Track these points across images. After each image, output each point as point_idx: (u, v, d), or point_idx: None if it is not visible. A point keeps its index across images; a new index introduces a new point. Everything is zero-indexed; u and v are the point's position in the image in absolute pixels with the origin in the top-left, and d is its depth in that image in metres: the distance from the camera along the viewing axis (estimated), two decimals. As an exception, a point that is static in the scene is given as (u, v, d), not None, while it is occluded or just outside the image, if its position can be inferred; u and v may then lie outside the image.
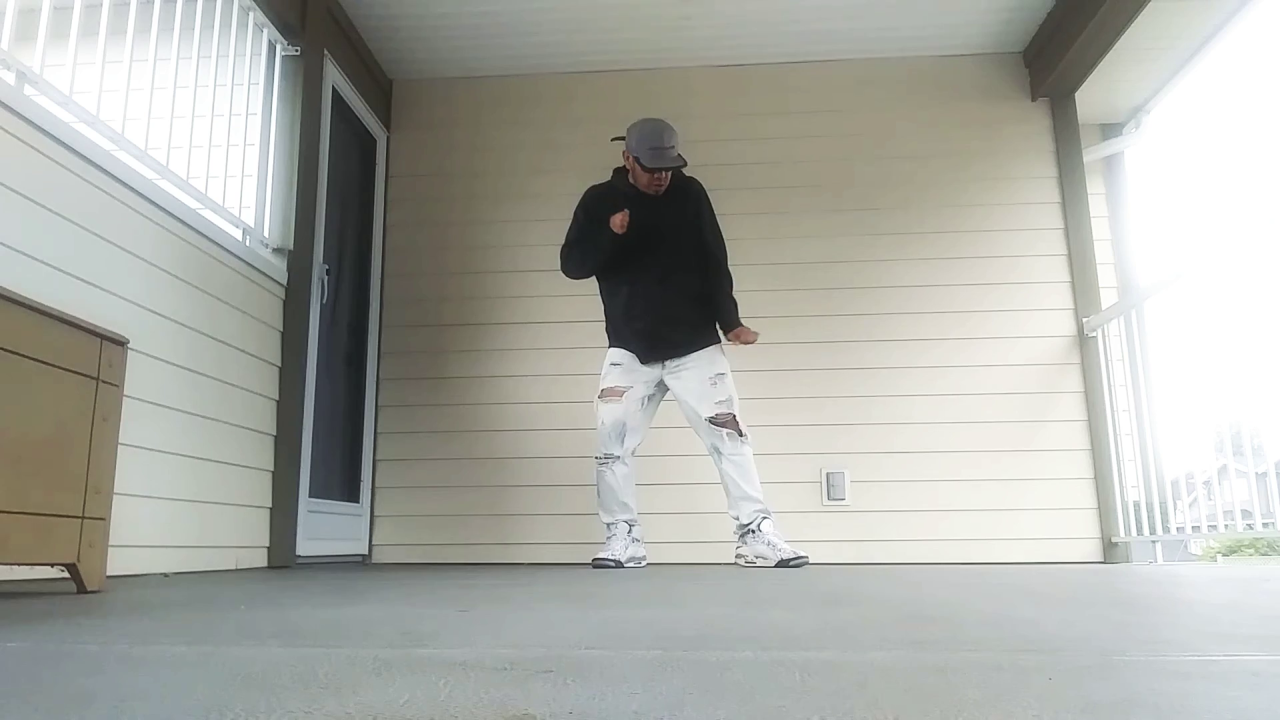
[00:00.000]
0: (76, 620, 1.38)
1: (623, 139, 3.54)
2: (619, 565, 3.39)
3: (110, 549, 2.03)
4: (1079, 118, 4.62)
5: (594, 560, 3.43)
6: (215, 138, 3.39)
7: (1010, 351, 4.40)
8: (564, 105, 4.81)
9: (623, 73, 4.81)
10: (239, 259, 3.35)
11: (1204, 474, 3.51)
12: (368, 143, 4.72)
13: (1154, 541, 3.97)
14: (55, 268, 2.40)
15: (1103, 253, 4.63)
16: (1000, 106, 4.67)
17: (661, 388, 3.58)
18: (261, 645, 1.08)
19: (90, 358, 1.96)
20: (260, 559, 3.46)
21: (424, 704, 0.70)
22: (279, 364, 3.63)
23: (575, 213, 3.66)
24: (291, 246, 3.71)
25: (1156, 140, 5.18)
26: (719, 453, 3.46)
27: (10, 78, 2.33)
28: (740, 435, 3.44)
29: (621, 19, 4.42)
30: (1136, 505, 4.10)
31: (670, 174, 3.48)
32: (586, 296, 3.89)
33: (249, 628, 1.27)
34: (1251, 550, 16.07)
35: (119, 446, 2.09)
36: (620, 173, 3.62)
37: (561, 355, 4.49)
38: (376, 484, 4.52)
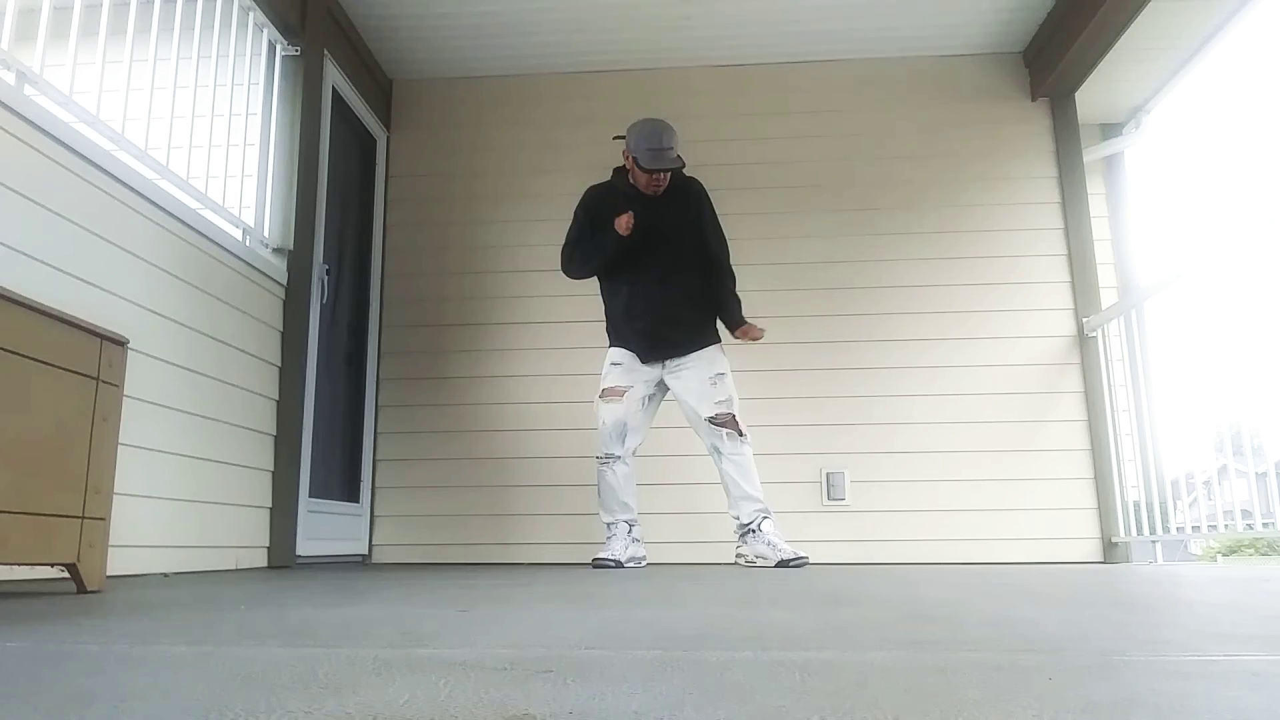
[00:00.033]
0: (76, 620, 1.38)
1: (623, 138, 3.54)
2: (619, 565, 3.39)
3: (110, 549, 2.03)
4: (1079, 118, 4.62)
5: (594, 560, 3.43)
6: (215, 138, 3.39)
7: (1010, 351, 4.40)
8: (564, 105, 4.81)
9: (623, 73, 4.81)
10: (239, 259, 3.35)
11: (1204, 474, 3.50)
12: (368, 143, 4.72)
13: (1154, 541, 3.97)
14: (55, 268, 2.40)
15: (1103, 253, 4.63)
16: (1000, 106, 4.67)
17: (662, 387, 3.58)
18: (261, 645, 1.08)
19: (90, 358, 1.96)
20: (260, 559, 3.46)
21: (424, 704, 0.70)
22: (279, 364, 3.63)
23: (575, 212, 3.66)
24: (291, 246, 3.71)
25: (1156, 140, 5.19)
26: (719, 452, 3.46)
27: (10, 78, 2.33)
28: (740, 435, 3.44)
29: (621, 19, 4.42)
30: (1136, 505, 4.10)
31: (669, 175, 3.48)
32: (586, 296, 3.89)
33: (249, 628, 1.27)
34: (1251, 550, 16.07)
35: (119, 446, 2.09)
36: (620, 172, 3.62)
37: (562, 355, 4.49)
38: (376, 484, 4.52)
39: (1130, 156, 5.16)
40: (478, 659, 0.93)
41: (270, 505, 3.53)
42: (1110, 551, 4.17)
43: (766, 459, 3.65)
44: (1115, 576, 2.78)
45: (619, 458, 3.50)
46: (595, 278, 3.67)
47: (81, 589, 1.92)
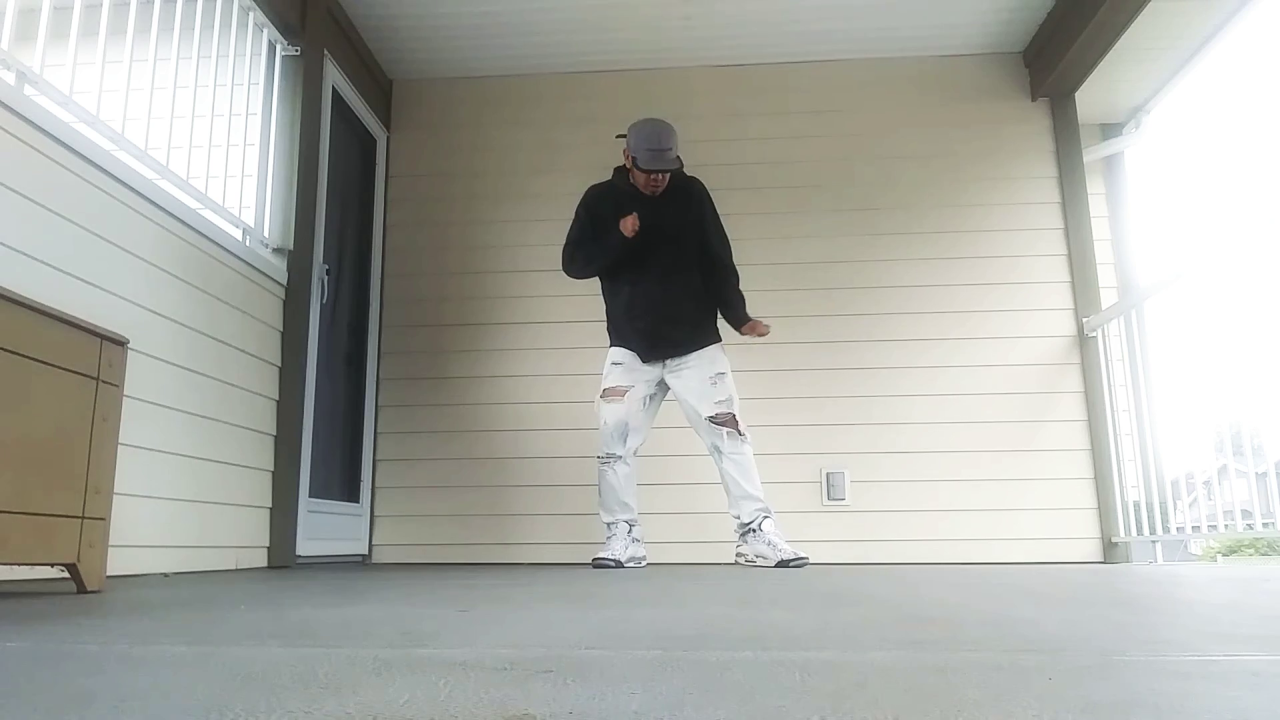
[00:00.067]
0: (76, 620, 1.38)
1: (625, 136, 3.54)
2: (619, 565, 3.39)
3: (110, 549, 2.03)
4: (1079, 118, 4.62)
5: (594, 560, 3.43)
6: (215, 138, 3.39)
7: (1010, 351, 4.40)
8: (564, 105, 4.81)
9: (623, 73, 4.81)
10: (239, 259, 3.35)
11: (1204, 474, 3.50)
12: (368, 143, 4.72)
13: (1154, 541, 3.97)
14: (55, 268, 2.40)
15: (1103, 253, 4.63)
16: (1000, 106, 4.67)
17: (663, 387, 3.58)
18: (261, 645, 1.08)
19: (90, 358, 1.96)
20: (260, 559, 3.46)
21: (424, 704, 0.70)
22: (279, 364, 3.63)
23: (577, 211, 3.66)
24: (291, 246, 3.71)
25: (1156, 140, 5.19)
26: (719, 452, 3.46)
27: (10, 78, 2.33)
28: (740, 434, 3.44)
29: (622, 19, 4.42)
30: (1136, 505, 4.10)
31: (668, 176, 3.48)
32: (586, 296, 3.89)
33: (249, 628, 1.27)
34: (1251, 550, 16.07)
35: (119, 446, 2.09)
36: (621, 171, 3.62)
37: (561, 355, 4.49)
38: (376, 484, 4.52)
39: (1130, 156, 5.16)
40: (478, 659, 0.93)
41: (270, 505, 3.53)
42: (1110, 551, 4.17)
43: (766, 459, 3.65)
44: (1115, 576, 2.78)
45: (620, 458, 3.50)
46: (596, 277, 3.67)
47: (81, 589, 1.92)
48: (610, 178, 3.65)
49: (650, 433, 3.63)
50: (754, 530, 3.40)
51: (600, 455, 3.54)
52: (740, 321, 3.58)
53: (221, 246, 3.24)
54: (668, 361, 3.54)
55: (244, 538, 3.36)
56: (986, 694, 0.76)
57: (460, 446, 4.50)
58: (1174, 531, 3.89)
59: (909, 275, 4.49)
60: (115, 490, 2.06)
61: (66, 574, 1.93)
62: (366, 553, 4.44)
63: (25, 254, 2.29)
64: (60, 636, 1.18)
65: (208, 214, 3.22)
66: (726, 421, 3.44)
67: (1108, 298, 4.46)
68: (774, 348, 4.25)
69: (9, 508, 1.70)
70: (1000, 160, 4.62)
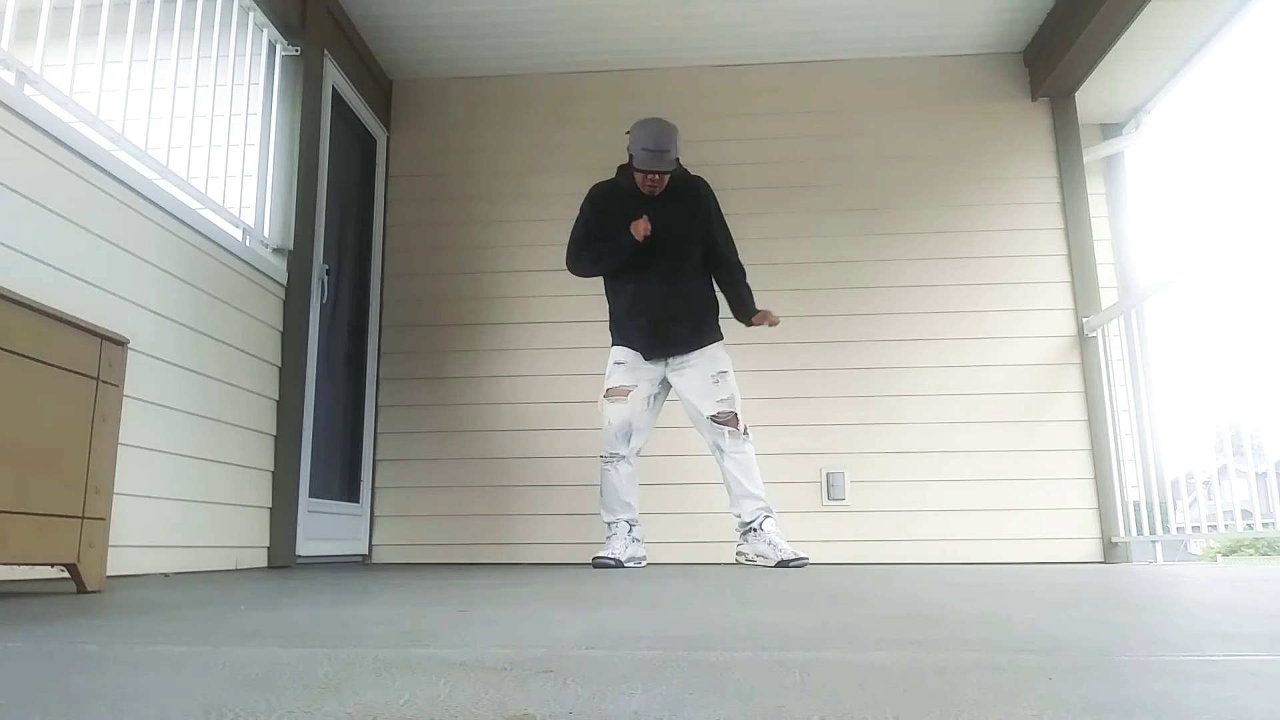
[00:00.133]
0: (76, 620, 1.38)
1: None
2: (619, 564, 3.39)
3: (110, 549, 2.03)
4: (1079, 118, 4.62)
5: (594, 559, 3.43)
6: (215, 138, 3.39)
7: (1010, 351, 4.40)
8: (565, 105, 4.81)
9: (623, 73, 4.81)
10: (239, 259, 3.35)
11: (1204, 474, 3.50)
12: (368, 143, 4.72)
13: (1154, 541, 3.97)
14: (55, 268, 2.40)
15: (1103, 253, 4.63)
16: (1000, 106, 4.67)
17: (665, 385, 3.58)
18: (261, 645, 1.08)
19: (90, 358, 1.96)
20: (260, 559, 3.46)
21: (424, 704, 0.70)
22: (279, 364, 3.63)
23: (582, 208, 3.66)
24: (291, 246, 3.71)
25: (1156, 140, 5.19)
26: (721, 451, 3.46)
27: (10, 78, 2.33)
28: (742, 433, 3.44)
29: (623, 19, 4.42)
30: (1136, 505, 4.10)
31: (666, 177, 3.48)
32: (585, 296, 3.89)
33: (249, 628, 1.27)
34: (1251, 550, 16.07)
35: (119, 446, 2.09)
36: (625, 170, 3.61)
37: (561, 355, 4.49)
38: (376, 484, 4.52)
39: (1130, 156, 5.16)
40: (478, 659, 0.93)
41: (270, 505, 3.53)
42: (1110, 551, 4.17)
43: (766, 459, 3.65)
44: (1115, 576, 2.78)
45: (623, 457, 3.50)
46: (598, 276, 3.67)
47: (81, 589, 1.92)
48: (615, 176, 3.65)
49: (652, 433, 3.63)
50: (755, 529, 3.40)
51: (603, 455, 3.54)
52: (750, 314, 3.60)
53: (221, 246, 3.24)
54: (670, 360, 3.54)
55: (244, 538, 3.36)
56: (986, 694, 0.76)
57: (460, 446, 4.50)
58: (1174, 531, 3.89)
59: (910, 275, 4.49)
60: (115, 490, 2.06)
61: (66, 574, 1.93)
62: (366, 553, 4.44)
63: (25, 254, 2.29)
64: (60, 636, 1.18)
65: (208, 214, 3.22)
66: (728, 420, 3.44)
67: (1108, 298, 4.46)
68: (775, 348, 4.26)
69: (9, 508, 1.70)
70: (1000, 160, 4.62)
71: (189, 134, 3.19)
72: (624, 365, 3.55)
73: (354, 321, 4.48)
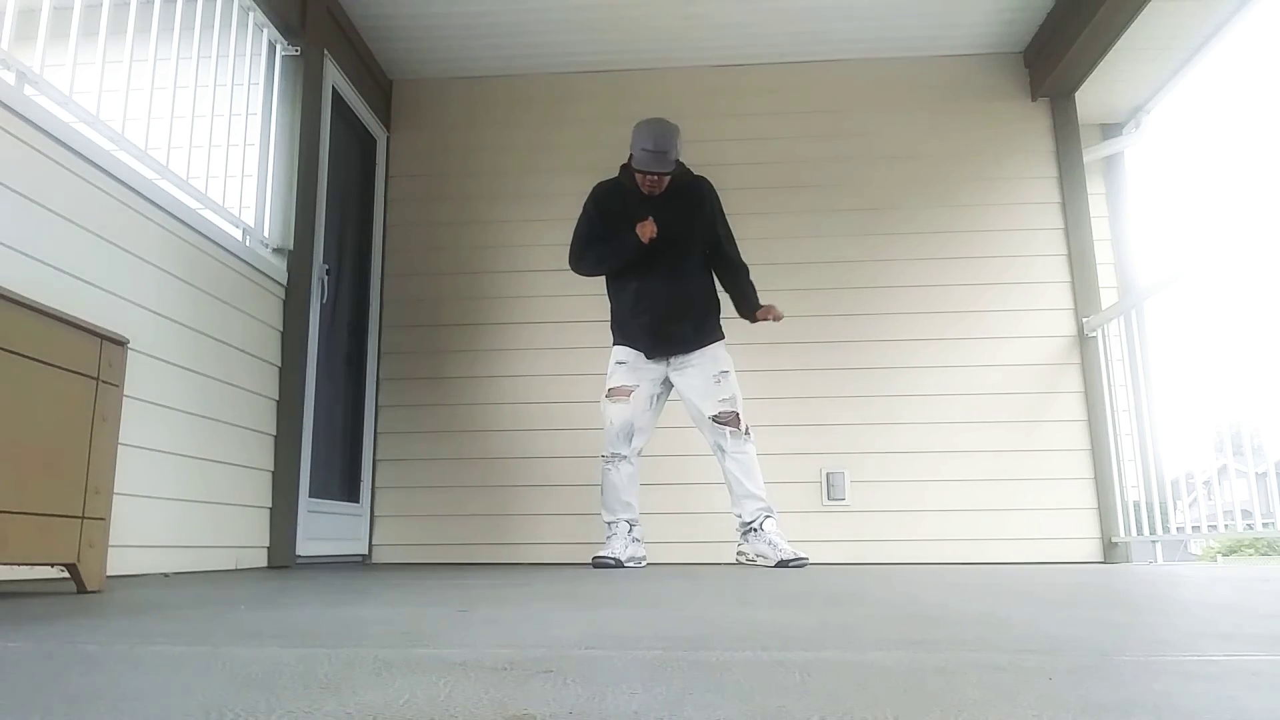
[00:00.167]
0: (76, 620, 1.38)
1: None
2: (619, 564, 3.39)
3: (110, 549, 2.03)
4: (1079, 118, 4.62)
5: (594, 559, 3.43)
6: (215, 138, 3.39)
7: (1010, 351, 4.40)
8: (565, 105, 4.81)
9: (623, 72, 4.81)
10: (239, 259, 3.35)
11: (1204, 474, 3.50)
12: (368, 143, 4.72)
13: (1154, 541, 3.97)
14: (55, 268, 2.40)
15: (1103, 253, 4.63)
16: (1000, 106, 4.67)
17: (667, 385, 3.59)
18: (261, 645, 1.08)
19: (90, 358, 1.96)
20: (260, 559, 3.46)
21: (424, 704, 0.70)
22: (279, 364, 3.63)
23: (585, 207, 3.66)
24: (291, 246, 3.71)
25: (1156, 140, 5.19)
26: (722, 450, 3.46)
27: (10, 78, 2.33)
28: (744, 433, 3.45)
29: (622, 19, 4.42)
30: (1136, 505, 4.10)
31: (668, 177, 3.47)
32: (585, 296, 3.89)
33: (249, 628, 1.27)
34: (1251, 550, 16.07)
35: (119, 446, 2.09)
36: (628, 169, 3.61)
37: (561, 355, 4.49)
38: (376, 484, 4.52)
39: (1130, 156, 5.16)
40: (478, 659, 0.93)
41: (270, 505, 3.53)
42: (1110, 551, 4.17)
43: (767, 459, 3.65)
44: (1115, 576, 2.78)
45: (624, 457, 3.50)
46: (601, 276, 3.68)
47: (81, 589, 1.92)
48: (618, 175, 3.64)
49: (654, 433, 3.63)
50: (755, 529, 3.40)
51: (604, 454, 3.54)
52: (754, 308, 3.60)
53: (221, 246, 3.24)
54: (672, 359, 3.54)
55: (244, 538, 3.36)
56: (986, 694, 0.76)
57: (460, 446, 4.50)
58: (1174, 531, 3.89)
59: (910, 275, 4.49)
60: (115, 490, 2.06)
61: (66, 574, 1.93)
62: (366, 553, 4.44)
63: (25, 254, 2.29)
64: (60, 636, 1.18)
65: (208, 214, 3.22)
66: (730, 420, 3.44)
67: (1108, 298, 4.46)
68: (775, 348, 4.26)
69: (9, 508, 1.70)
70: (1000, 160, 4.62)
71: (189, 134, 3.19)
72: (626, 365, 3.55)
73: (354, 321, 4.48)
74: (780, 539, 3.38)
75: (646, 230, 3.40)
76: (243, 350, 3.38)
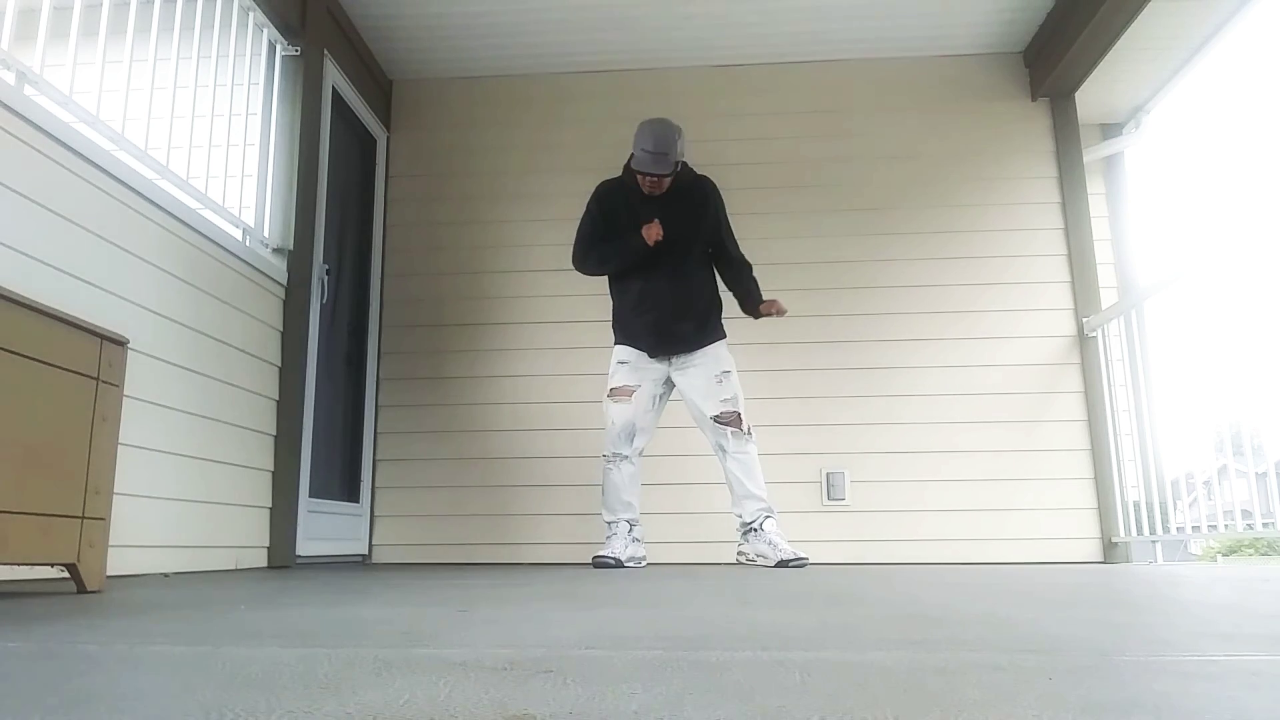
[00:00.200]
0: (76, 620, 1.38)
1: None
2: (619, 564, 3.39)
3: (110, 549, 2.03)
4: (1079, 118, 4.62)
5: (594, 559, 3.43)
6: (215, 138, 3.39)
7: (1010, 351, 4.40)
8: (565, 105, 4.81)
9: (623, 72, 4.81)
10: (239, 259, 3.35)
11: (1204, 474, 3.50)
12: (368, 143, 4.72)
13: (1154, 541, 3.97)
14: (55, 268, 2.40)
15: (1103, 253, 4.63)
16: (1000, 106, 4.67)
17: (669, 385, 3.58)
18: (261, 645, 1.08)
19: (90, 358, 1.96)
20: (260, 559, 3.46)
21: (424, 704, 0.70)
22: (279, 364, 3.63)
23: (589, 206, 3.66)
24: (291, 246, 3.71)
25: (1156, 140, 5.19)
26: (723, 450, 3.46)
27: (10, 78, 2.33)
28: (745, 434, 3.44)
29: (622, 19, 4.42)
30: (1136, 505, 4.10)
31: (669, 178, 3.47)
32: (585, 296, 3.89)
33: (249, 628, 1.27)
34: (1251, 550, 16.07)
35: (119, 446, 2.09)
36: (630, 169, 3.61)
37: (561, 355, 4.49)
38: (376, 484, 4.52)
39: (1130, 156, 5.16)
40: (478, 659, 0.93)
41: (270, 505, 3.53)
42: (1110, 551, 4.17)
43: (767, 459, 3.65)
44: (1115, 576, 2.78)
45: (625, 457, 3.50)
46: (605, 275, 3.68)
47: (81, 589, 1.92)
48: (621, 174, 3.64)
49: (655, 432, 3.63)
50: (755, 529, 3.40)
51: (606, 454, 3.54)
52: (758, 303, 3.60)
53: (221, 246, 3.24)
54: (674, 359, 3.54)
55: (244, 538, 3.36)
56: (986, 694, 0.76)
57: (460, 446, 4.50)
58: (1174, 531, 3.89)
59: (909, 275, 4.49)
60: (115, 490, 2.06)
61: (66, 574, 1.93)
62: (366, 553, 4.44)
63: (25, 254, 2.29)
64: (60, 636, 1.18)
65: (208, 214, 3.22)
66: (731, 420, 3.44)
67: (1108, 298, 4.46)
68: (775, 348, 4.26)
69: (9, 508, 1.70)
70: (1000, 160, 4.62)
71: (189, 134, 3.19)
72: (628, 365, 3.55)
73: (354, 321, 4.48)
74: (780, 539, 3.38)
75: (652, 234, 3.40)
76: (243, 350, 3.38)
